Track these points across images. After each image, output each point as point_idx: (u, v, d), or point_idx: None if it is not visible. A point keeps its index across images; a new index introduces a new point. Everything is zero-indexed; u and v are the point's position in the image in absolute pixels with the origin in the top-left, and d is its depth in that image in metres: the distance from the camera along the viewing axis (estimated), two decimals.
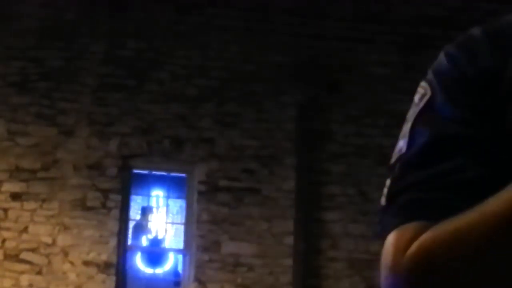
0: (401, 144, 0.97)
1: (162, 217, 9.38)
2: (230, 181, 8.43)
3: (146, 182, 9.21)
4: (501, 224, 0.79)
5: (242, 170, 8.48)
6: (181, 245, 8.82)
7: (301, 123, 8.62)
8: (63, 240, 8.09)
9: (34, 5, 8.51)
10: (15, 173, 8.18)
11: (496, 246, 0.79)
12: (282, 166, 8.51)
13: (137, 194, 9.08)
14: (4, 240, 8.04)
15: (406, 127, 0.97)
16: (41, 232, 8.08)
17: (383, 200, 0.96)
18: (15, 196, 8.14)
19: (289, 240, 8.37)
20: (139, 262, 9.37)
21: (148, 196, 9.43)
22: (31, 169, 8.20)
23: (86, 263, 8.07)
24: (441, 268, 0.83)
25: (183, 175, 8.76)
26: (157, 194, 9.46)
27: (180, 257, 8.97)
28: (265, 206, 8.42)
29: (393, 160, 0.98)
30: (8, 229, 8.07)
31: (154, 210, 9.50)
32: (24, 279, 7.98)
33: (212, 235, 8.32)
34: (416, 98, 0.99)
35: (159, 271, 9.45)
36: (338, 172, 8.56)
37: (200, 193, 8.43)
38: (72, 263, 8.06)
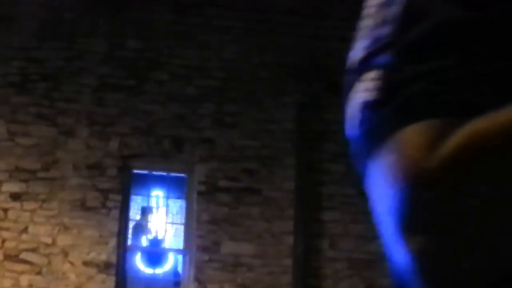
0: (382, 30, 0.84)
1: (162, 217, 9.38)
2: (230, 181, 8.43)
3: (146, 182, 9.21)
4: None
5: (242, 170, 8.48)
6: (181, 245, 8.82)
7: (301, 123, 8.62)
8: (63, 240, 8.09)
9: (34, 5, 8.51)
10: (15, 173, 8.18)
11: None
12: (282, 166, 8.51)
13: (137, 194, 9.08)
14: (4, 240, 8.04)
15: (390, 10, 0.84)
16: (41, 232, 8.08)
17: (367, 96, 0.82)
18: (15, 196, 8.14)
19: (289, 240, 8.37)
20: (139, 262, 9.37)
21: (148, 196, 9.43)
22: (31, 169, 8.20)
23: (86, 263, 8.07)
24: (492, 167, 0.71)
25: (183, 175, 8.76)
26: (157, 194, 9.46)
27: (180, 257, 8.97)
28: (265, 206, 8.41)
29: (368, 48, 0.85)
30: (8, 229, 8.07)
31: (154, 210, 9.50)
32: (24, 279, 7.98)
33: (212, 235, 8.32)
34: None
35: (159, 271, 9.45)
36: (338, 172, 8.55)
37: (200, 193, 8.43)
38: (72, 263, 8.05)
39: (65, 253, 8.06)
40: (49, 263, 8.03)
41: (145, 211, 9.50)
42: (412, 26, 0.82)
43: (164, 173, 8.99)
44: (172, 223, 9.35)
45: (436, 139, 0.73)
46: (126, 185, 8.47)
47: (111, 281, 8.10)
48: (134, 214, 9.21)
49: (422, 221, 0.72)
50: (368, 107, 0.81)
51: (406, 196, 0.73)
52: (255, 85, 8.65)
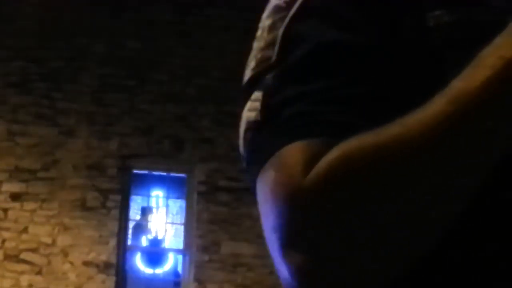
0: (268, 52, 0.85)
1: (162, 217, 9.38)
2: (230, 181, 8.43)
3: (146, 182, 9.21)
4: (434, 132, 0.70)
5: (242, 170, 8.46)
6: (181, 245, 8.82)
7: None
8: (63, 240, 8.09)
9: (34, 5, 8.51)
10: (15, 173, 8.19)
11: (428, 156, 0.71)
12: None
13: (137, 194, 9.08)
14: (4, 241, 8.04)
15: (276, 32, 0.85)
16: (41, 232, 8.08)
17: (251, 116, 0.83)
18: (15, 196, 8.14)
19: None
20: (139, 262, 9.37)
21: (148, 196, 9.42)
22: (31, 169, 8.20)
23: (86, 263, 8.07)
24: (361, 186, 0.71)
25: (183, 175, 8.76)
26: (157, 194, 9.46)
27: (180, 257, 8.97)
28: None
29: (254, 69, 0.87)
30: (8, 229, 8.07)
31: (154, 210, 9.49)
32: (24, 280, 7.98)
33: (212, 235, 8.33)
34: (281, 0, 0.87)
35: (159, 271, 9.45)
36: None
37: (200, 193, 8.43)
38: (72, 263, 8.06)
39: (65, 253, 8.07)
40: (49, 263, 8.03)
41: (145, 211, 9.49)
42: (292, 49, 0.83)
43: (164, 173, 8.99)
44: (172, 223, 9.35)
45: (310, 158, 0.75)
46: (126, 185, 8.47)
47: (111, 281, 8.10)
48: (134, 214, 9.20)
49: (298, 239, 0.74)
50: (251, 127, 0.84)
51: (283, 214, 0.75)
52: None
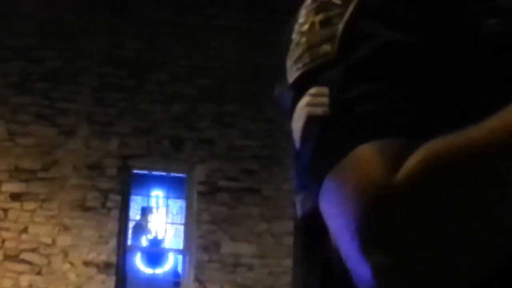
0: (324, 47, 0.85)
1: (162, 218, 9.37)
2: (229, 181, 8.43)
3: (146, 182, 9.20)
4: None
5: (242, 170, 8.48)
6: (181, 245, 8.82)
7: None
8: (63, 240, 8.09)
9: (34, 5, 8.51)
10: (15, 173, 8.18)
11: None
12: (282, 166, 8.51)
13: (136, 194, 9.07)
14: (4, 241, 8.04)
15: (333, 28, 0.85)
16: (41, 232, 8.08)
17: (315, 111, 0.82)
18: (15, 196, 8.14)
19: (289, 240, 8.37)
20: (139, 262, 9.36)
21: (148, 196, 9.42)
22: (31, 169, 8.20)
23: (86, 264, 8.07)
24: (451, 187, 0.72)
25: (183, 175, 8.76)
26: (157, 194, 9.45)
27: (180, 257, 8.97)
28: (265, 206, 8.42)
29: (309, 63, 0.86)
30: (8, 229, 8.07)
31: (154, 210, 9.49)
32: (24, 280, 7.98)
33: (211, 235, 8.33)
34: None
35: (159, 271, 9.44)
36: None
37: (200, 193, 8.43)
38: (72, 263, 8.06)
39: (65, 253, 8.07)
40: (49, 263, 8.03)
41: (145, 211, 9.49)
42: (356, 46, 0.83)
43: (164, 173, 8.99)
44: (172, 223, 9.35)
45: (394, 158, 0.74)
46: (126, 185, 8.47)
47: (111, 281, 8.10)
48: (134, 214, 9.20)
49: (383, 239, 0.73)
50: (317, 123, 0.82)
51: (367, 214, 0.74)
52: (255, 85, 8.65)
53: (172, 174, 8.94)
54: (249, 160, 8.50)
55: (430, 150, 0.74)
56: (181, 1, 8.77)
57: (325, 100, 0.82)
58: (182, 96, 8.57)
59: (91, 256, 8.10)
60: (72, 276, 8.04)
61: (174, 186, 9.21)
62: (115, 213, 8.25)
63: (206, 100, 8.58)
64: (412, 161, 0.74)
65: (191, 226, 8.47)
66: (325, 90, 0.82)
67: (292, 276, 8.31)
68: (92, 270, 8.07)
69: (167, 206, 9.39)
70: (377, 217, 0.73)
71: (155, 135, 8.48)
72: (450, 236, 0.72)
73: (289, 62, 0.92)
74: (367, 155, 0.76)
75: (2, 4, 8.44)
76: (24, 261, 8.01)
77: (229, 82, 8.67)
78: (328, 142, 0.81)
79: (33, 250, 8.04)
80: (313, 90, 0.84)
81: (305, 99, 0.85)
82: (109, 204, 8.26)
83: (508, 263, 0.75)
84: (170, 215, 9.37)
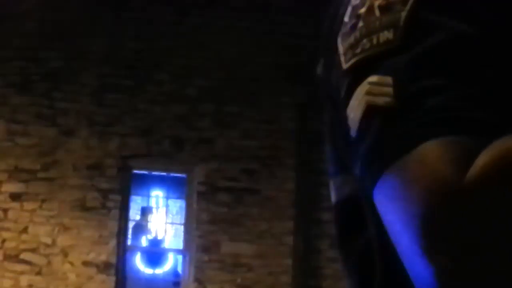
0: (385, 34, 0.81)
1: (162, 218, 9.38)
2: (229, 182, 8.43)
3: (145, 183, 9.21)
4: None
5: (242, 170, 8.48)
6: (180, 246, 8.82)
7: (301, 123, 8.62)
8: (62, 240, 8.09)
9: (34, 5, 8.50)
10: (15, 173, 8.18)
11: None
12: (282, 166, 8.51)
13: (136, 195, 9.08)
14: (3, 241, 8.04)
15: (395, 15, 0.81)
16: (41, 232, 8.08)
17: (378, 101, 0.78)
18: (14, 197, 8.13)
19: (289, 240, 8.37)
20: (138, 262, 9.36)
21: (148, 196, 9.42)
22: (30, 170, 8.20)
23: (86, 264, 8.07)
24: None
25: (183, 175, 8.76)
26: (157, 195, 9.46)
27: (180, 257, 8.97)
28: (265, 206, 8.41)
29: (368, 50, 0.82)
30: (7, 229, 8.07)
31: (154, 210, 9.49)
32: (24, 280, 7.97)
33: (211, 236, 8.32)
34: None
35: (158, 271, 9.45)
36: None
37: (199, 193, 8.43)
38: (71, 263, 8.05)
39: (65, 253, 8.06)
40: (49, 263, 8.03)
41: (145, 211, 9.49)
42: (421, 36, 0.79)
43: (164, 173, 8.99)
44: (172, 223, 9.35)
45: (464, 156, 0.72)
46: (126, 185, 8.47)
47: (111, 281, 8.10)
48: (134, 214, 9.20)
49: (448, 240, 0.71)
50: (378, 113, 0.78)
51: (434, 214, 0.71)
52: (255, 85, 8.65)
53: (172, 174, 8.95)
54: (249, 160, 8.49)
55: (503, 147, 0.71)
56: (181, 1, 8.76)
57: (388, 90, 0.78)
58: (182, 96, 8.57)
59: (91, 256, 8.10)
60: (72, 276, 8.03)
61: (174, 186, 9.22)
62: (115, 213, 8.25)
63: (206, 100, 8.58)
64: (485, 159, 0.70)
65: (191, 226, 8.47)
66: (388, 79, 0.79)
67: (292, 276, 8.31)
68: (92, 270, 8.07)
69: (167, 206, 9.39)
70: (446, 217, 0.70)
71: (155, 135, 8.48)
72: None
73: (342, 46, 0.85)
74: (435, 151, 0.73)
75: (2, 4, 8.43)
76: (24, 261, 8.01)
77: (229, 82, 8.67)
78: (392, 135, 0.77)
79: (33, 250, 8.03)
80: (374, 79, 0.80)
81: (364, 87, 0.80)
82: (109, 204, 8.25)
83: None
84: (170, 215, 9.38)
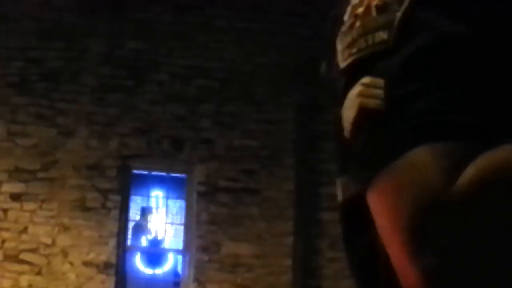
0: (380, 34, 0.80)
1: (162, 218, 9.37)
2: (229, 182, 8.43)
3: (145, 183, 9.20)
4: None
5: (242, 170, 8.48)
6: (180, 246, 8.82)
7: (301, 123, 8.62)
8: (62, 240, 8.09)
9: (34, 5, 8.50)
10: (15, 173, 8.18)
11: None
12: (282, 166, 8.51)
13: (136, 195, 9.07)
14: (3, 241, 8.04)
15: (391, 15, 0.80)
16: (41, 232, 8.08)
17: (369, 103, 0.78)
18: (14, 197, 8.13)
19: (289, 240, 8.37)
20: (138, 262, 9.36)
21: (148, 196, 9.42)
22: (30, 170, 8.20)
23: (86, 264, 8.07)
24: (509, 203, 0.70)
25: (183, 175, 8.75)
26: (157, 195, 9.45)
27: (180, 257, 8.97)
28: (265, 206, 8.41)
29: (362, 50, 0.81)
30: (7, 229, 8.07)
31: (154, 210, 9.49)
32: (24, 280, 7.97)
33: (211, 236, 8.32)
34: None
35: (158, 271, 9.44)
36: None
37: (199, 193, 8.43)
38: (71, 263, 8.05)
39: (64, 253, 8.06)
40: (49, 263, 8.03)
41: (145, 211, 9.49)
42: (413, 36, 0.78)
43: (164, 173, 8.99)
44: (172, 223, 9.35)
45: (454, 164, 0.72)
46: (125, 186, 8.47)
47: (110, 281, 8.10)
48: (134, 214, 9.20)
49: (434, 244, 0.72)
50: (369, 116, 0.78)
51: (421, 221, 0.72)
52: (255, 85, 8.65)
53: (172, 174, 8.94)
54: (249, 160, 8.49)
55: (493, 160, 0.71)
56: (181, 1, 8.76)
57: (380, 92, 0.78)
58: (182, 96, 8.57)
59: (91, 256, 8.09)
60: (72, 276, 8.03)
61: (174, 186, 9.21)
62: (115, 213, 8.25)
63: (206, 100, 8.58)
64: (473, 170, 0.71)
65: (191, 227, 8.47)
66: (380, 82, 0.78)
67: (292, 276, 8.31)
68: (92, 270, 8.07)
69: (167, 206, 9.39)
70: (433, 224, 0.71)
71: (155, 135, 8.48)
72: (505, 252, 0.70)
73: (340, 45, 0.86)
74: (424, 158, 0.73)
75: (2, 4, 8.44)
76: (24, 261, 8.01)
77: (229, 82, 8.67)
78: (382, 138, 0.77)
79: (33, 250, 8.03)
80: (366, 80, 0.80)
81: (357, 88, 0.80)
82: (109, 204, 8.25)
83: None
84: (170, 215, 9.37)
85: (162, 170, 8.86)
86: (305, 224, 8.44)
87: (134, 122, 8.46)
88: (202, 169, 8.47)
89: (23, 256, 8.02)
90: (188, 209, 8.60)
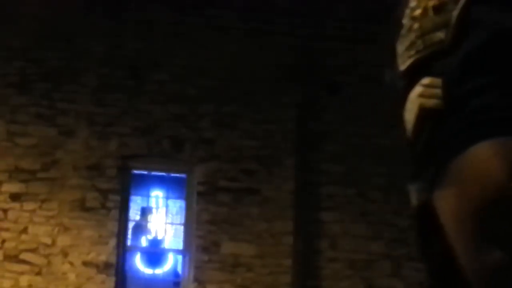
0: (438, 34, 0.80)
1: (162, 218, 9.37)
2: (229, 182, 8.43)
3: (145, 183, 9.20)
4: None
5: (242, 170, 8.47)
6: (180, 246, 8.81)
7: (300, 123, 8.62)
8: (62, 240, 8.08)
9: (34, 5, 8.50)
10: (15, 173, 8.18)
11: None
12: (282, 166, 8.51)
13: (136, 195, 9.06)
14: (3, 241, 8.04)
15: (447, 15, 0.80)
16: (41, 232, 8.08)
17: (429, 103, 0.78)
18: (14, 197, 8.13)
19: (289, 240, 8.37)
20: (138, 262, 9.36)
21: (148, 196, 9.41)
22: (30, 170, 8.20)
23: (86, 264, 8.07)
24: None
25: (183, 175, 8.75)
26: (157, 195, 9.44)
27: (180, 257, 8.97)
28: (265, 206, 8.41)
29: (421, 51, 0.81)
30: (7, 229, 8.07)
31: (154, 210, 9.48)
32: (24, 280, 7.97)
33: (211, 236, 8.32)
34: None
35: (158, 271, 9.44)
36: (337, 172, 8.55)
37: (199, 193, 8.43)
38: (71, 263, 8.05)
39: (64, 254, 8.06)
40: (49, 263, 8.03)
41: (145, 211, 9.48)
42: (469, 34, 0.79)
43: (164, 173, 8.98)
44: (172, 223, 9.34)
45: None
46: (125, 186, 8.46)
47: (110, 282, 8.10)
48: (134, 214, 9.19)
49: (499, 238, 0.72)
50: (431, 116, 0.79)
51: (485, 214, 0.72)
52: (255, 85, 8.65)
53: (172, 174, 8.94)
54: (249, 160, 8.49)
55: None
56: (181, 1, 8.76)
57: (438, 92, 0.78)
58: (182, 96, 8.57)
59: (91, 256, 8.09)
60: (71, 276, 8.03)
61: (174, 186, 9.21)
62: (115, 213, 8.25)
63: (206, 100, 8.58)
64: None
65: (191, 227, 8.47)
66: (438, 81, 0.79)
67: (292, 276, 8.31)
68: (92, 270, 8.07)
69: (166, 206, 9.38)
70: (496, 218, 0.72)
71: (155, 135, 8.48)
72: None
73: (400, 48, 0.86)
74: (484, 155, 0.73)
75: (2, 4, 8.43)
76: (24, 261, 8.00)
77: (229, 82, 8.67)
78: (442, 137, 0.78)
79: (33, 250, 8.03)
80: (426, 81, 0.80)
81: (417, 90, 0.81)
82: (109, 204, 8.25)
83: None
84: (170, 215, 9.36)
85: (162, 170, 8.86)
86: (305, 224, 8.44)
87: (134, 122, 8.46)
88: (202, 169, 8.47)
89: (23, 256, 8.02)
90: (188, 209, 8.60)
